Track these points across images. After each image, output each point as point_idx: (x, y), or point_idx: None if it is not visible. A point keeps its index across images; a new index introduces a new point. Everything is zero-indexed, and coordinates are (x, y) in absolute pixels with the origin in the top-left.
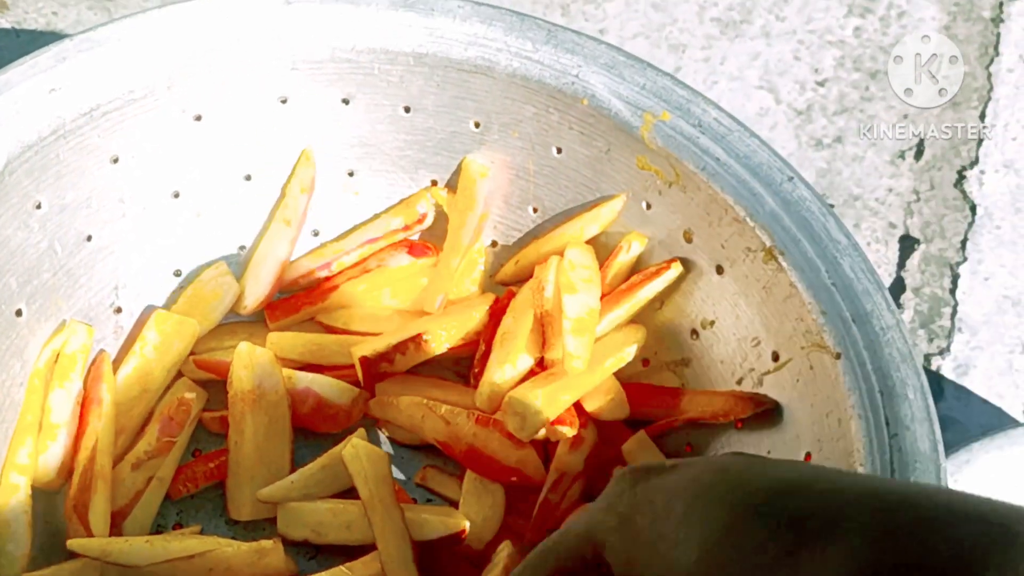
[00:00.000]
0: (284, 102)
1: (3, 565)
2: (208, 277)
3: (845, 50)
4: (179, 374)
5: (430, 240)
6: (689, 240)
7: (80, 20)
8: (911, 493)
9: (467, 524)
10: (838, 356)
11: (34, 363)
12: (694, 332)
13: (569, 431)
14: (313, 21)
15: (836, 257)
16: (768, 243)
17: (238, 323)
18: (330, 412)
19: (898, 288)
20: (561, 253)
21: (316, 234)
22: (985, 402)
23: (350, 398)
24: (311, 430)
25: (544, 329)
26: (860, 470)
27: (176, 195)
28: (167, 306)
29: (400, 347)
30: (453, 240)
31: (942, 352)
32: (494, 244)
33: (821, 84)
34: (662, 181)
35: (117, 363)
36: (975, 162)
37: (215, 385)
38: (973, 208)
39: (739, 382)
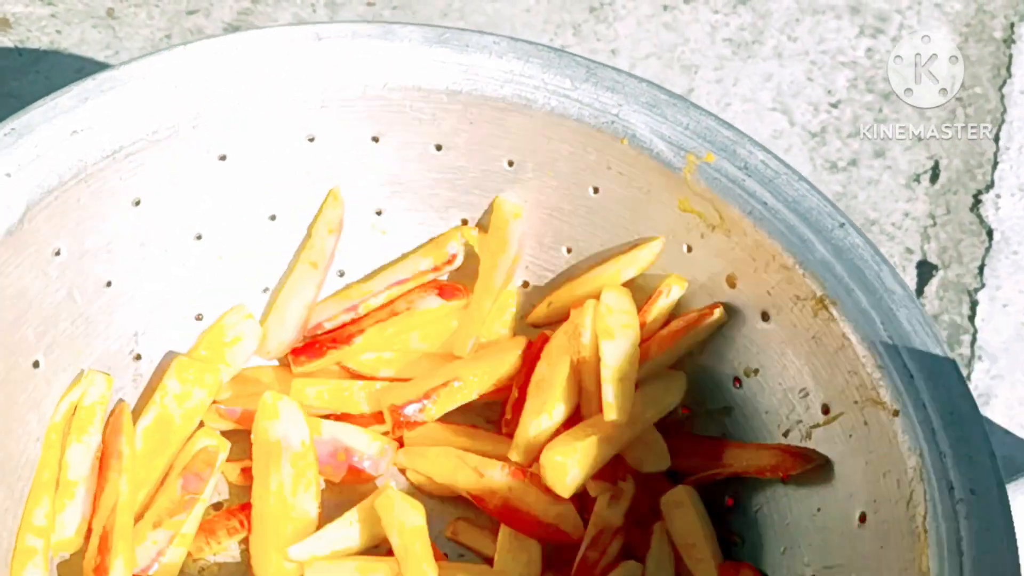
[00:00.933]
0: (312, 140)
1: None
2: (230, 322)
3: (858, 71)
4: (200, 423)
5: (459, 281)
6: (732, 285)
7: (84, 39)
8: None
9: None
10: (896, 413)
11: (51, 417)
12: (737, 380)
13: (608, 486)
14: (344, 58)
15: (892, 309)
16: (819, 292)
17: (261, 368)
18: (357, 463)
19: None
20: (596, 296)
21: (342, 274)
22: (1008, 433)
23: (378, 448)
24: (336, 482)
25: (581, 377)
26: (923, 536)
27: (199, 237)
28: (188, 352)
29: (430, 394)
30: (485, 282)
31: None
32: (525, 284)
33: (835, 106)
34: (705, 224)
35: (137, 413)
36: (991, 185)
37: (237, 433)
38: (990, 233)
39: (785, 434)
